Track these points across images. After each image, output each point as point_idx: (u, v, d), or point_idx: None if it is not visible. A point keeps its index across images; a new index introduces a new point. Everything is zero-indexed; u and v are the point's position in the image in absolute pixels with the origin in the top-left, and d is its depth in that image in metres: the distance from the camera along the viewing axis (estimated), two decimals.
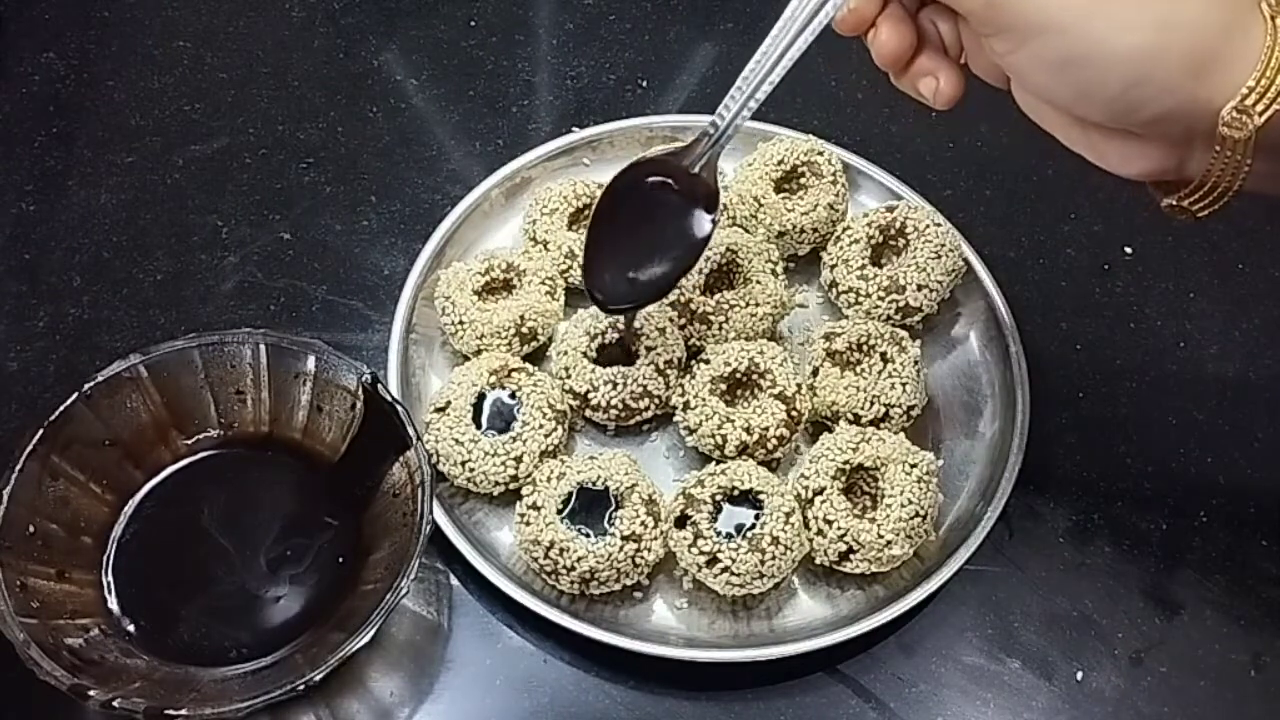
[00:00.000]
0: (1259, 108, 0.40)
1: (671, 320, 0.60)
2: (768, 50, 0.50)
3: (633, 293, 0.55)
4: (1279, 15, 0.41)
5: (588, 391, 0.58)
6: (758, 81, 0.51)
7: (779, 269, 0.62)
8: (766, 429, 0.56)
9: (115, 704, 0.45)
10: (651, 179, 0.54)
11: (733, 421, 0.56)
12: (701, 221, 0.54)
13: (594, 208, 0.55)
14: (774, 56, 0.50)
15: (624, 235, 0.55)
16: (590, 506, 0.54)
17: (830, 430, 0.57)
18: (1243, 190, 0.43)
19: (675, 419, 0.58)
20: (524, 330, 0.60)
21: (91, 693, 0.45)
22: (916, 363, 0.59)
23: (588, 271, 0.55)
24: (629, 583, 0.54)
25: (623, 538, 0.53)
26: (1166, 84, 0.41)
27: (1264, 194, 0.46)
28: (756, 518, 0.54)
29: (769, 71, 0.50)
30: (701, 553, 0.53)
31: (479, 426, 0.56)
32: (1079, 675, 0.54)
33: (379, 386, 0.53)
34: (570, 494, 0.54)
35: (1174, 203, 0.45)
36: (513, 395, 0.57)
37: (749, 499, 0.54)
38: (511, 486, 0.56)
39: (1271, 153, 0.41)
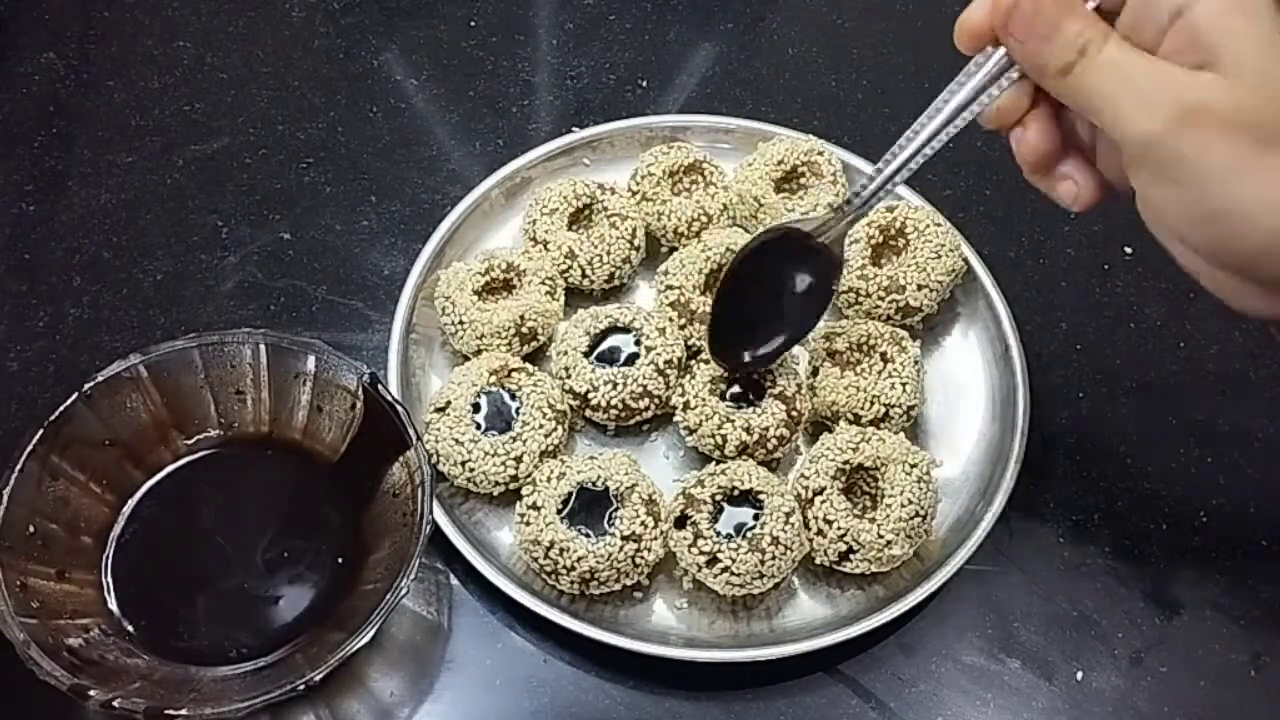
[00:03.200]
0: None
1: (671, 320, 0.60)
2: (920, 129, 0.49)
3: (745, 365, 0.57)
4: None
5: (588, 391, 0.58)
6: (906, 158, 0.50)
7: None
8: (766, 429, 0.56)
9: (115, 704, 0.45)
10: (781, 252, 0.55)
11: (733, 421, 0.56)
12: (823, 294, 0.56)
13: (724, 274, 0.56)
14: (923, 137, 0.49)
15: (748, 310, 0.56)
16: (590, 506, 0.54)
17: (830, 430, 0.57)
18: None
19: (675, 419, 0.58)
20: (524, 330, 0.60)
21: (91, 693, 0.45)
22: (917, 363, 0.59)
23: (712, 339, 0.57)
24: (629, 583, 0.54)
25: (623, 538, 0.53)
26: None
27: None
28: (756, 518, 0.54)
29: (915, 151, 0.50)
30: (701, 553, 0.53)
31: (479, 426, 0.56)
32: (1079, 675, 0.54)
33: (379, 386, 0.53)
34: (570, 494, 0.54)
35: None
36: (513, 395, 0.57)
37: (749, 499, 0.54)
38: (511, 486, 0.56)
39: None
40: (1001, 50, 0.45)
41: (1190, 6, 0.40)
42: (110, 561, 0.52)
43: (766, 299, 0.56)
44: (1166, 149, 0.40)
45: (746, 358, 0.57)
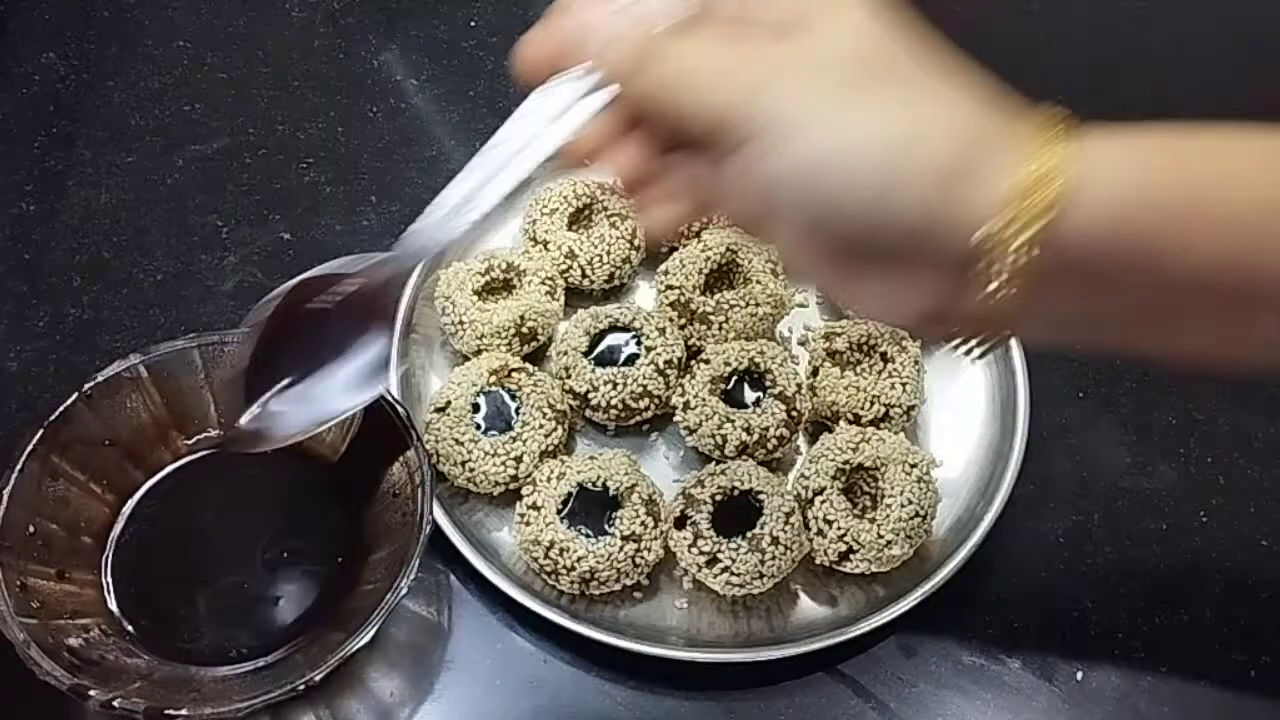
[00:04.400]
0: (1016, 226, 0.36)
1: (671, 320, 0.60)
2: (498, 164, 0.43)
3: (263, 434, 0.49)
4: (1043, 130, 0.36)
5: (588, 391, 0.58)
6: (478, 199, 0.43)
7: (779, 269, 0.62)
8: (766, 429, 0.56)
9: (115, 704, 0.45)
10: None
11: (733, 421, 0.56)
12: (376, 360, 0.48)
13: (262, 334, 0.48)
14: (505, 172, 0.43)
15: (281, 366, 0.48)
16: (590, 506, 0.54)
17: (830, 430, 0.57)
18: (1021, 329, 0.39)
19: (675, 419, 0.58)
20: (524, 330, 0.60)
21: (91, 693, 0.45)
22: (917, 363, 0.59)
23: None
24: (629, 583, 0.54)
25: (623, 538, 0.53)
26: (916, 195, 0.36)
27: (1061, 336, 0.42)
28: (756, 518, 0.53)
29: (492, 189, 0.43)
30: (701, 553, 0.53)
31: (479, 426, 0.56)
32: (1079, 675, 0.54)
33: None
34: (570, 494, 0.54)
35: (952, 350, 0.40)
36: (513, 395, 0.57)
37: (749, 499, 0.54)
38: (511, 486, 0.56)
39: (1039, 277, 0.36)
40: (563, 81, 0.41)
41: None
42: (110, 561, 0.52)
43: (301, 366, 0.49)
44: (756, 114, 0.37)
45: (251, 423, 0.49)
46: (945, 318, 0.39)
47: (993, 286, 0.37)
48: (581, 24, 0.41)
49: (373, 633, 0.47)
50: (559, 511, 0.54)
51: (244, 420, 0.48)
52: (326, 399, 0.48)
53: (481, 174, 0.43)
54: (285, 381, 0.49)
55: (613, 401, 0.57)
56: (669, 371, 0.58)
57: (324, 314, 0.47)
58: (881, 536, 0.53)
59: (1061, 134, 0.36)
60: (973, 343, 0.39)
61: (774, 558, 0.52)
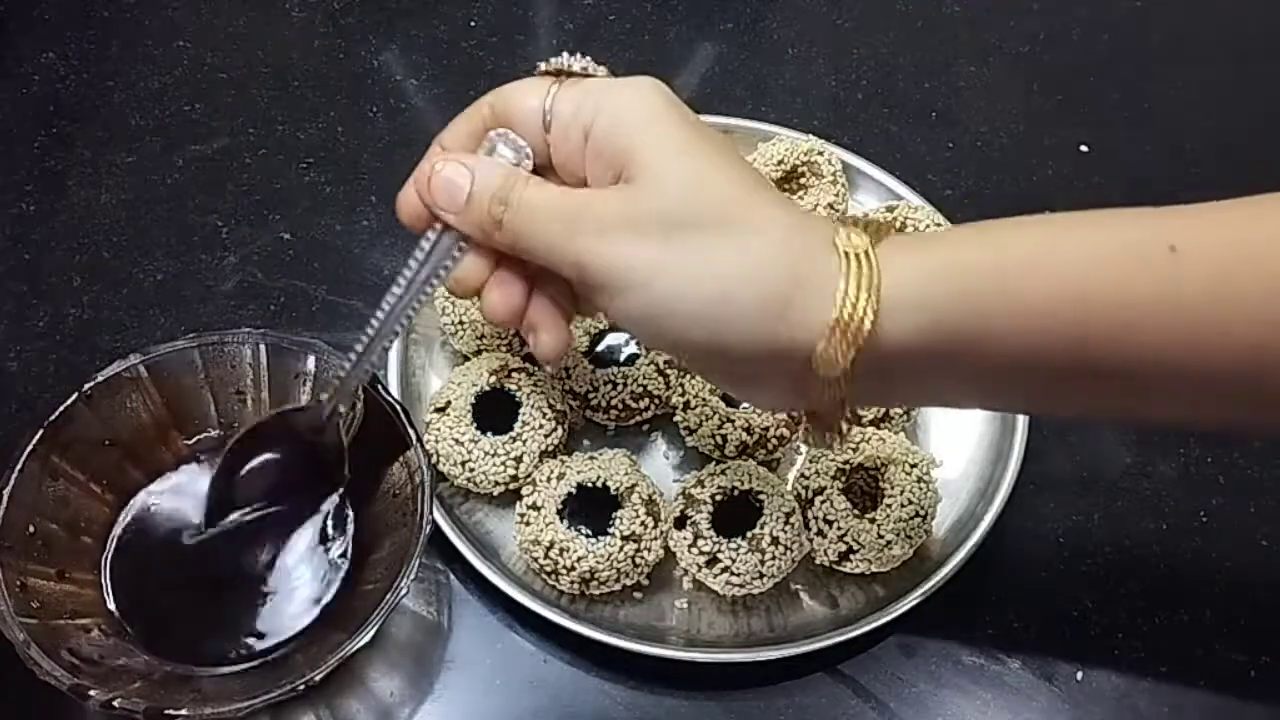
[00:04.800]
0: (842, 346, 0.40)
1: None
2: (389, 310, 0.48)
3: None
4: (852, 251, 0.40)
5: (588, 391, 0.58)
6: (376, 339, 0.49)
7: None
8: (766, 429, 0.56)
9: (115, 704, 0.45)
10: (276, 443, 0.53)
11: (733, 421, 0.56)
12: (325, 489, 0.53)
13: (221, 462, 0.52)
14: (394, 315, 0.48)
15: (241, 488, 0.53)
16: (590, 506, 0.54)
17: None
18: (853, 413, 0.44)
19: (675, 419, 0.58)
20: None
21: (91, 693, 0.45)
22: None
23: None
24: (629, 583, 0.54)
25: (623, 538, 0.53)
26: (747, 329, 0.41)
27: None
28: (756, 518, 0.53)
29: (387, 329, 0.48)
30: (701, 553, 0.53)
31: (479, 426, 0.56)
32: (1079, 675, 0.54)
33: (378, 386, 0.53)
34: (570, 494, 0.54)
35: (800, 434, 0.46)
36: (513, 395, 0.57)
37: (749, 499, 0.54)
38: (511, 486, 0.56)
39: (875, 376, 0.41)
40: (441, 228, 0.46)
41: (590, 126, 0.43)
42: (110, 562, 0.52)
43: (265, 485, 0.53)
44: (595, 268, 0.42)
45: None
46: (813, 411, 0.44)
47: (834, 392, 0.41)
48: (445, 179, 0.46)
49: (373, 633, 0.47)
50: (559, 511, 0.54)
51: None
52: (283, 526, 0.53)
53: (380, 323, 0.48)
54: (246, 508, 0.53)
55: (613, 401, 0.57)
56: (669, 371, 0.58)
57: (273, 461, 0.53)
58: (881, 536, 0.53)
59: (869, 253, 0.40)
60: (808, 430, 0.44)
61: (774, 558, 0.52)
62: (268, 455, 0.53)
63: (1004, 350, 0.40)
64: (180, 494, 0.54)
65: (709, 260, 0.41)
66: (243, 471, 0.53)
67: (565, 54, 0.46)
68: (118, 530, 0.53)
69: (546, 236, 0.43)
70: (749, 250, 0.41)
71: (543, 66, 0.47)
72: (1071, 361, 0.40)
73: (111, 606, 0.51)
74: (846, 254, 0.40)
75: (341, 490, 0.53)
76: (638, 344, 0.59)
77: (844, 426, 0.44)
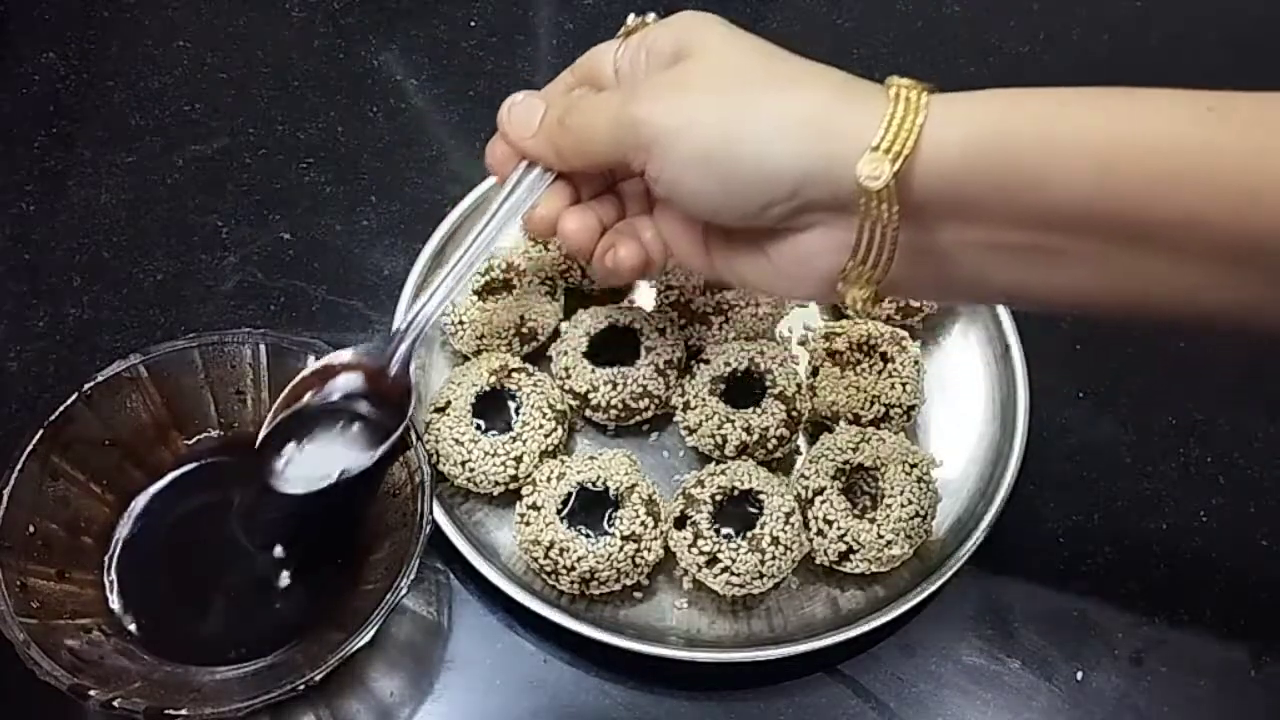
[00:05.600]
0: (886, 160, 0.41)
1: (671, 320, 0.60)
2: (466, 251, 0.51)
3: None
4: (902, 89, 0.41)
5: (588, 391, 0.58)
6: (454, 282, 0.52)
7: None
8: (766, 429, 0.56)
9: (115, 704, 0.45)
10: (340, 383, 0.53)
11: (733, 421, 0.56)
12: (389, 426, 0.52)
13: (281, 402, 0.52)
14: (477, 250, 0.51)
15: (308, 439, 0.53)
16: (590, 506, 0.54)
17: (830, 430, 0.57)
18: (893, 266, 0.44)
19: (675, 419, 0.58)
20: (524, 330, 0.60)
21: (91, 693, 0.45)
22: (917, 363, 0.59)
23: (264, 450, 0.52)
24: (629, 583, 0.54)
25: (623, 538, 0.53)
26: (792, 150, 0.42)
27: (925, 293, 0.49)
28: (756, 518, 0.54)
29: (465, 271, 0.52)
30: (701, 553, 0.53)
31: (479, 427, 0.56)
32: (1079, 675, 0.54)
33: None
34: (570, 494, 0.54)
35: (842, 283, 0.45)
36: (513, 395, 0.57)
37: (749, 499, 0.54)
38: (511, 486, 0.56)
39: (912, 221, 0.42)
40: (524, 165, 0.51)
41: (650, 47, 0.47)
42: (111, 562, 0.52)
43: (326, 425, 0.53)
44: (650, 120, 0.44)
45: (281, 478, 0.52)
46: (844, 279, 0.44)
47: (873, 232, 0.42)
48: (522, 108, 0.51)
49: (373, 633, 0.47)
50: (559, 511, 0.54)
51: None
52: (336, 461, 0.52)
53: (464, 255, 0.52)
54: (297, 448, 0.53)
55: (613, 401, 0.57)
56: (669, 371, 0.58)
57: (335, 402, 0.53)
58: (881, 536, 0.53)
59: (914, 91, 0.41)
60: (852, 266, 0.44)
61: (774, 558, 0.52)
62: (334, 391, 0.53)
63: (1036, 195, 0.40)
64: (180, 494, 0.54)
65: (759, 101, 0.43)
66: (306, 404, 0.53)
67: (634, 14, 0.50)
68: (118, 530, 0.53)
69: (606, 113, 0.46)
70: (799, 90, 0.43)
71: (622, 30, 0.51)
72: (1104, 213, 0.40)
73: (113, 606, 0.51)
74: (895, 92, 0.41)
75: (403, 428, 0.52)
76: (638, 343, 0.59)
77: (879, 281, 0.44)
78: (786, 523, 0.53)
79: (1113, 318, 0.45)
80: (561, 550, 0.53)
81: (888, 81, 0.42)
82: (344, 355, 0.53)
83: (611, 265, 0.50)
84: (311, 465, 0.52)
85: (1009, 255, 0.43)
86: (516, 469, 0.55)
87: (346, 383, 0.53)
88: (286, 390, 0.52)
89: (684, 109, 0.44)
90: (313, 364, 0.53)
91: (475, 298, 0.60)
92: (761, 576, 0.53)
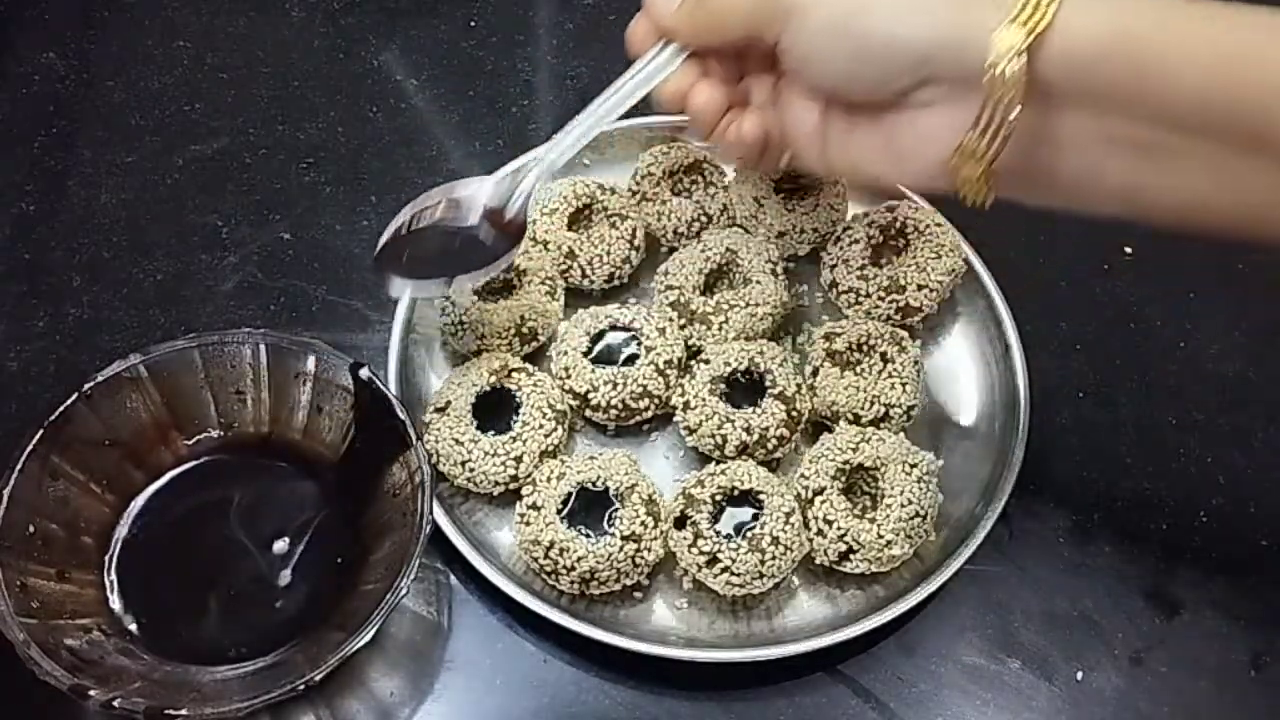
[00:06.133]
0: (1025, 27, 0.42)
1: (671, 320, 0.60)
2: (596, 108, 0.54)
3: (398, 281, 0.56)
4: None
5: (588, 391, 0.58)
6: (577, 134, 0.54)
7: (779, 269, 0.62)
8: (766, 429, 0.56)
9: (115, 704, 0.45)
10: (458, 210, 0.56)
11: (733, 421, 0.56)
12: (499, 251, 0.55)
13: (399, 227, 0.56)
14: (598, 113, 0.54)
15: (422, 247, 0.56)
16: (590, 506, 0.54)
17: (830, 430, 0.57)
18: (1004, 154, 0.45)
19: (675, 419, 0.58)
20: (524, 330, 0.60)
21: (91, 693, 0.45)
22: (917, 363, 0.59)
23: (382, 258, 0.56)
24: (629, 583, 0.54)
25: (623, 538, 0.53)
26: (929, 22, 0.44)
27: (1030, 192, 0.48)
28: (756, 518, 0.54)
29: (589, 125, 0.54)
30: (701, 553, 0.53)
31: (479, 426, 0.56)
32: (1079, 675, 0.54)
33: (362, 371, 0.53)
34: (570, 494, 0.54)
35: (956, 158, 0.46)
36: (513, 395, 0.57)
37: (749, 499, 0.54)
38: (511, 486, 0.56)
39: (1038, 104, 0.43)
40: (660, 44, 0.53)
41: None
42: (111, 562, 0.52)
43: (442, 243, 0.56)
44: (778, 6, 0.47)
45: (397, 280, 0.56)
46: (959, 154, 0.45)
47: (994, 109, 0.43)
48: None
49: (373, 633, 0.47)
50: (559, 511, 0.54)
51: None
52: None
53: (596, 111, 0.54)
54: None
55: (613, 401, 0.57)
56: (669, 371, 0.58)
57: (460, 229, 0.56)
58: (881, 536, 0.53)
59: None
60: (971, 142, 0.45)
61: (774, 558, 0.52)
62: (445, 226, 0.56)
63: (1160, 89, 0.41)
64: (180, 494, 0.54)
65: None
66: (423, 226, 0.56)
67: None
68: (118, 530, 0.53)
69: (731, 6, 0.49)
70: None
71: None
72: (1223, 116, 0.41)
73: (113, 606, 0.51)
74: None
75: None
76: (638, 343, 0.59)
77: (992, 160, 0.45)
78: (786, 523, 0.53)
79: (1220, 233, 0.45)
80: (561, 550, 0.53)
81: None
82: (466, 186, 0.56)
83: (734, 138, 0.53)
84: (425, 269, 0.55)
85: (1127, 151, 0.44)
86: (516, 469, 0.55)
87: (465, 210, 0.56)
88: (406, 210, 0.55)
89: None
90: (433, 192, 0.56)
91: (475, 297, 0.60)
92: (761, 576, 0.53)
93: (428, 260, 0.55)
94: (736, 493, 0.54)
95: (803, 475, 0.55)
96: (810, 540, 0.54)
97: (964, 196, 0.47)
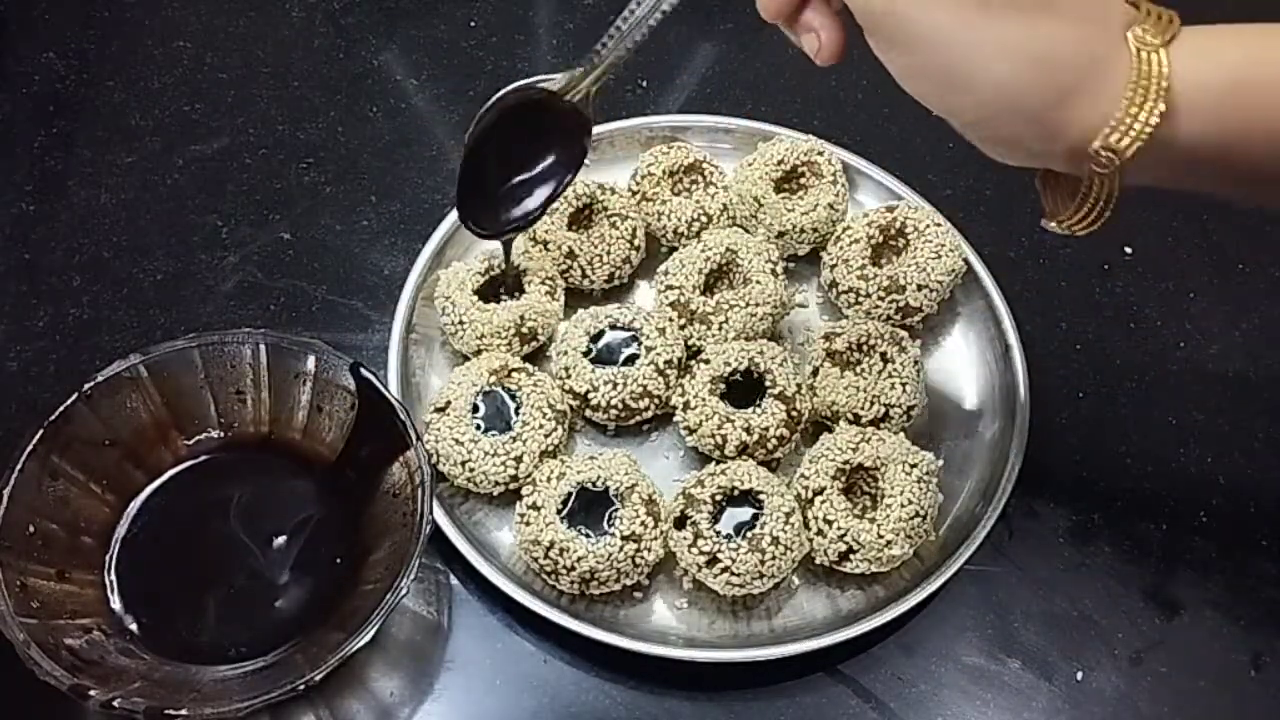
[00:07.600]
0: (1123, 144, 0.41)
1: (671, 320, 0.60)
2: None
3: (507, 221, 0.58)
4: (1144, 49, 0.41)
5: (588, 391, 0.58)
6: (639, 20, 0.52)
7: (779, 269, 0.62)
8: (766, 429, 0.56)
9: (115, 704, 0.45)
10: (527, 107, 0.56)
11: (733, 421, 0.56)
12: (575, 148, 0.57)
13: (470, 136, 0.56)
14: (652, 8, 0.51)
15: (499, 165, 0.57)
16: (590, 506, 0.54)
17: (830, 430, 0.57)
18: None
19: (675, 419, 0.58)
20: (524, 330, 0.60)
21: (91, 693, 0.45)
22: (917, 363, 0.59)
23: (462, 203, 0.57)
24: (629, 583, 0.54)
25: (623, 538, 0.53)
26: (1028, 114, 0.42)
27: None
28: (756, 518, 0.54)
29: (650, 13, 0.51)
30: (701, 553, 0.53)
31: (479, 426, 0.56)
32: (1079, 675, 0.54)
33: (362, 371, 0.53)
34: (570, 494, 0.54)
35: (1056, 226, 0.46)
36: (513, 395, 0.57)
37: (749, 499, 0.54)
38: (511, 486, 0.56)
39: (1149, 167, 0.42)
40: None
41: None
42: (111, 562, 0.52)
43: (516, 162, 0.58)
44: (894, 17, 0.43)
45: (502, 219, 0.57)
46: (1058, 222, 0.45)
47: (1107, 182, 0.42)
48: None
49: (373, 633, 0.47)
50: (559, 511, 0.54)
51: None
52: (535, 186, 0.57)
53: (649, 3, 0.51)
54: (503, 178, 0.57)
55: (613, 401, 0.57)
56: (669, 371, 0.58)
57: (531, 117, 0.56)
58: (881, 536, 0.53)
59: (1162, 43, 0.41)
60: (1074, 221, 0.45)
61: (774, 558, 0.52)
62: (513, 129, 0.56)
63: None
64: (180, 494, 0.54)
65: (1017, 34, 0.41)
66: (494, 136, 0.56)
67: None
68: (118, 530, 0.53)
69: None
70: (1038, 31, 0.41)
71: None
72: None
73: (113, 606, 0.51)
74: (1139, 51, 0.41)
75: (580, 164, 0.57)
76: (638, 343, 0.59)
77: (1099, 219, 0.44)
78: (786, 523, 0.53)
79: None
80: (561, 550, 0.53)
81: (1131, 32, 0.41)
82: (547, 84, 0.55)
83: (809, 49, 0.49)
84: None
85: (1230, 186, 0.45)
86: (516, 469, 0.55)
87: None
88: (487, 108, 0.55)
89: (939, 27, 0.42)
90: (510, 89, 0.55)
91: (475, 297, 0.60)
92: (761, 576, 0.53)
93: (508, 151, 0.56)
94: (736, 493, 0.54)
95: (803, 475, 0.55)
96: (810, 540, 0.54)
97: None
